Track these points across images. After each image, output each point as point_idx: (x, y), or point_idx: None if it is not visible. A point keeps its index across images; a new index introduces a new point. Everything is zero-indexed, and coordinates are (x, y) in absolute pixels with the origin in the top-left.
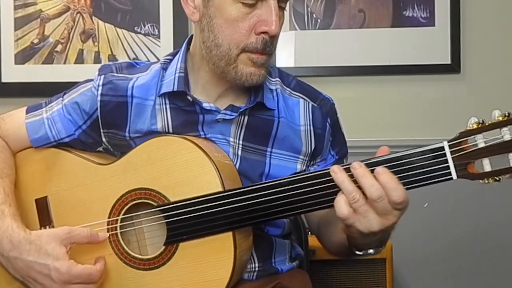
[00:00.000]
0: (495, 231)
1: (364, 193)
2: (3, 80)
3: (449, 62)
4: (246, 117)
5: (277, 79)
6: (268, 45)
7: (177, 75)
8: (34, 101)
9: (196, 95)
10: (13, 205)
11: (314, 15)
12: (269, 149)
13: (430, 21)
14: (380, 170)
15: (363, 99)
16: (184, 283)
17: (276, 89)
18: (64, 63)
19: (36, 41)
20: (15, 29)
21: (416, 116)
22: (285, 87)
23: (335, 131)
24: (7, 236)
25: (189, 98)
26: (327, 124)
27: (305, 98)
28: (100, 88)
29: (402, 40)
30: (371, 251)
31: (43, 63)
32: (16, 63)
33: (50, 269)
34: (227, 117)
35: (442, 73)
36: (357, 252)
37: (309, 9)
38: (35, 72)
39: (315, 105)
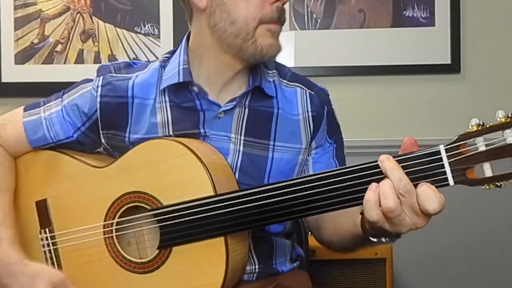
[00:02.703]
0: (495, 231)
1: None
2: (3, 80)
3: (449, 62)
4: (247, 110)
5: (274, 71)
6: (281, 14)
7: (181, 67)
8: (34, 101)
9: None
10: (10, 227)
11: (314, 15)
12: (271, 143)
13: (430, 21)
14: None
15: (363, 99)
16: (178, 287)
17: (274, 81)
18: (64, 63)
19: (36, 41)
20: (15, 29)
21: (416, 116)
22: (281, 79)
23: (331, 120)
24: (3, 264)
25: (195, 88)
26: (324, 111)
27: (302, 86)
28: (100, 89)
29: (402, 40)
30: (385, 239)
31: (43, 63)
32: (16, 63)
33: None
34: (228, 107)
35: (442, 73)
36: (371, 239)
37: (309, 9)
38: (35, 72)
39: (312, 92)
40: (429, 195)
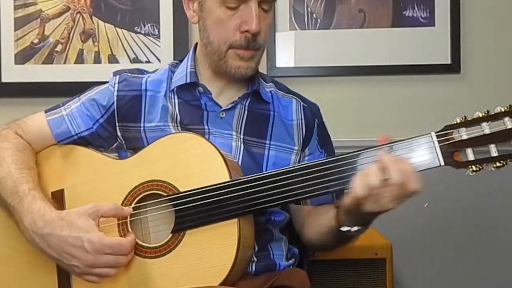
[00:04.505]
0: (496, 231)
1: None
2: (3, 80)
3: (449, 62)
4: (246, 112)
5: (271, 83)
6: (251, 42)
7: (189, 70)
8: (34, 101)
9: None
10: (41, 192)
11: (314, 15)
12: (267, 142)
13: (430, 21)
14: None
15: (363, 99)
16: (189, 270)
17: (270, 91)
18: (64, 63)
19: (36, 41)
20: (15, 29)
21: (416, 116)
22: (278, 90)
23: (321, 132)
24: (40, 216)
25: (200, 88)
26: (315, 122)
27: (297, 99)
28: (117, 85)
29: (402, 40)
30: (355, 228)
31: (43, 63)
32: (16, 63)
33: (83, 241)
34: (228, 107)
35: (442, 73)
36: (342, 229)
37: (309, 9)
38: (35, 72)
39: (305, 105)
40: (413, 177)
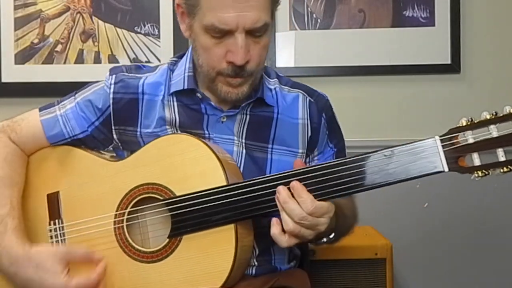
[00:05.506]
0: (496, 231)
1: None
2: (3, 80)
3: (449, 62)
4: (248, 116)
5: (275, 79)
6: (238, 72)
7: (186, 74)
8: (34, 101)
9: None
10: (16, 218)
11: (314, 15)
12: (270, 146)
13: (430, 21)
14: (294, 184)
15: (363, 99)
16: (186, 275)
17: (274, 88)
18: (64, 63)
19: (36, 41)
20: (15, 29)
21: (416, 116)
22: (282, 86)
23: (331, 126)
24: (6, 252)
25: (198, 95)
26: (322, 118)
27: (303, 93)
28: (113, 86)
29: (402, 40)
30: (324, 239)
31: (43, 63)
32: (16, 63)
33: (47, 286)
34: (230, 113)
35: (442, 73)
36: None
37: (309, 9)
38: (35, 72)
39: (312, 100)
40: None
